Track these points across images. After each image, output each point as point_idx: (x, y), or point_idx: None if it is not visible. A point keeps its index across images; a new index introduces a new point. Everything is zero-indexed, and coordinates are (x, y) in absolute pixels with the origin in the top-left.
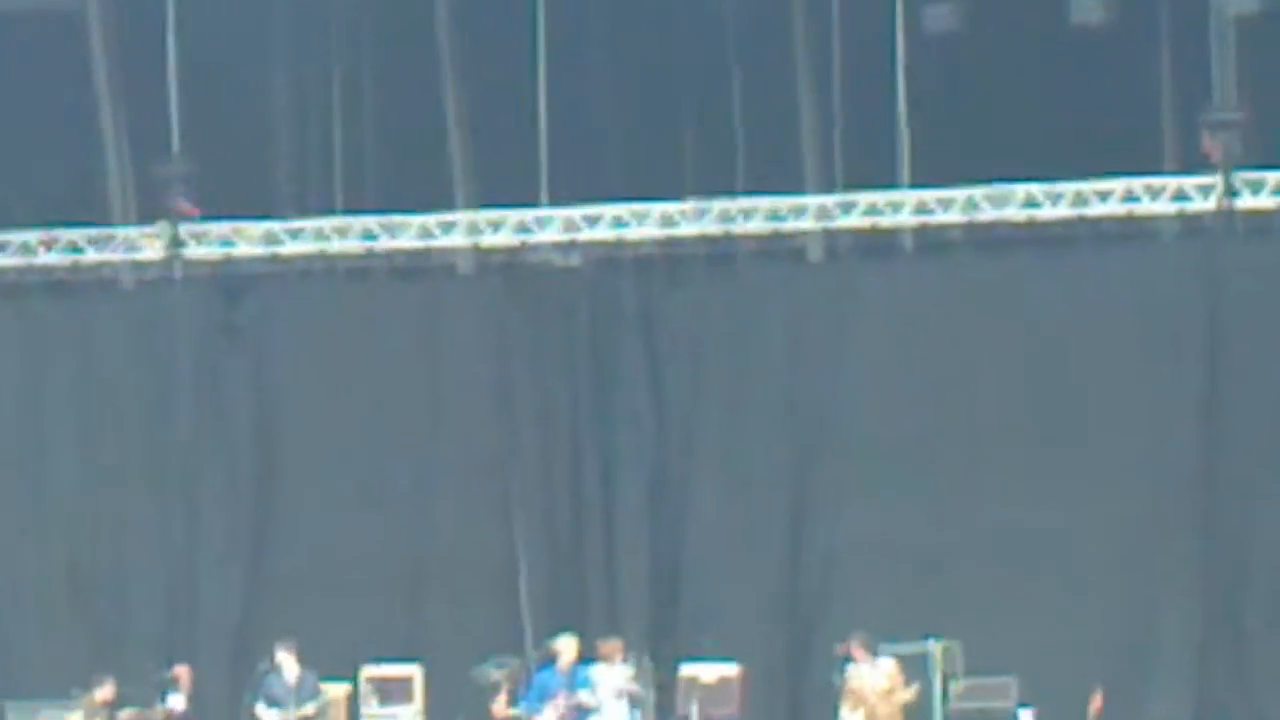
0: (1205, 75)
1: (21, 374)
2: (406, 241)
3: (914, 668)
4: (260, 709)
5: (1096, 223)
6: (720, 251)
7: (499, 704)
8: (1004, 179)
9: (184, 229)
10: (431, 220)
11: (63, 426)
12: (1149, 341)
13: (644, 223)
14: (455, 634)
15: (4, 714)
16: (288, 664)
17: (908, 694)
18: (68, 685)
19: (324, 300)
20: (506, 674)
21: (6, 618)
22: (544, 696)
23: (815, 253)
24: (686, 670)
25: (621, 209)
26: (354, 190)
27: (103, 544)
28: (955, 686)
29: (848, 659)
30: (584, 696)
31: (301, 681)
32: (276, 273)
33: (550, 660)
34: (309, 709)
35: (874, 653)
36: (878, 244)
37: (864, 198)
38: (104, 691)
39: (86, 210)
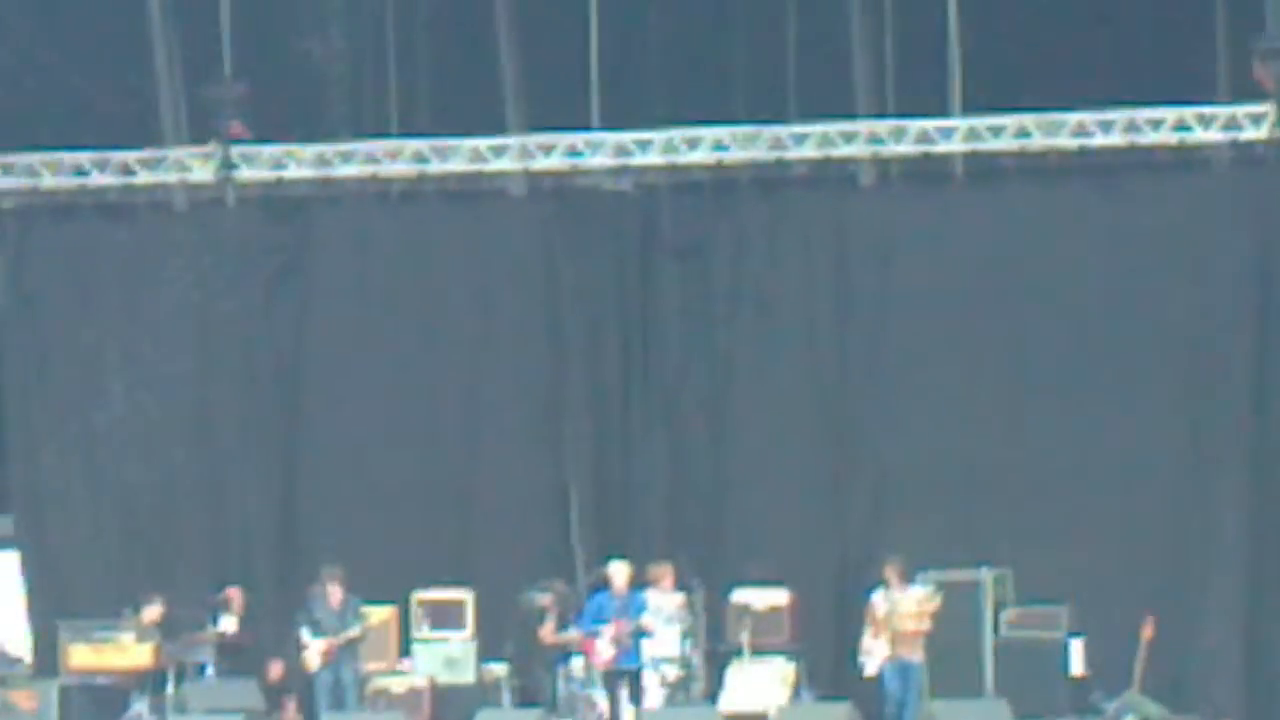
0: (1258, 3)
1: (73, 295)
2: (458, 165)
3: (965, 595)
4: (304, 634)
5: (1148, 151)
6: (771, 177)
7: (547, 629)
8: (1055, 107)
9: (235, 151)
10: (483, 144)
11: (113, 347)
12: (1200, 270)
13: (695, 148)
14: (504, 560)
15: (57, 633)
16: (332, 589)
17: (927, 624)
18: (119, 606)
19: (375, 223)
20: (553, 599)
21: (59, 539)
22: (600, 621)
23: (866, 179)
24: (737, 596)
25: (673, 134)
26: (406, 113)
27: (153, 465)
28: (1006, 615)
29: (880, 583)
30: (643, 621)
31: (345, 606)
32: (328, 196)
33: (603, 585)
34: (354, 632)
35: (908, 579)
36: (928, 171)
37: (915, 124)
38: (153, 611)
39: (138, 132)
